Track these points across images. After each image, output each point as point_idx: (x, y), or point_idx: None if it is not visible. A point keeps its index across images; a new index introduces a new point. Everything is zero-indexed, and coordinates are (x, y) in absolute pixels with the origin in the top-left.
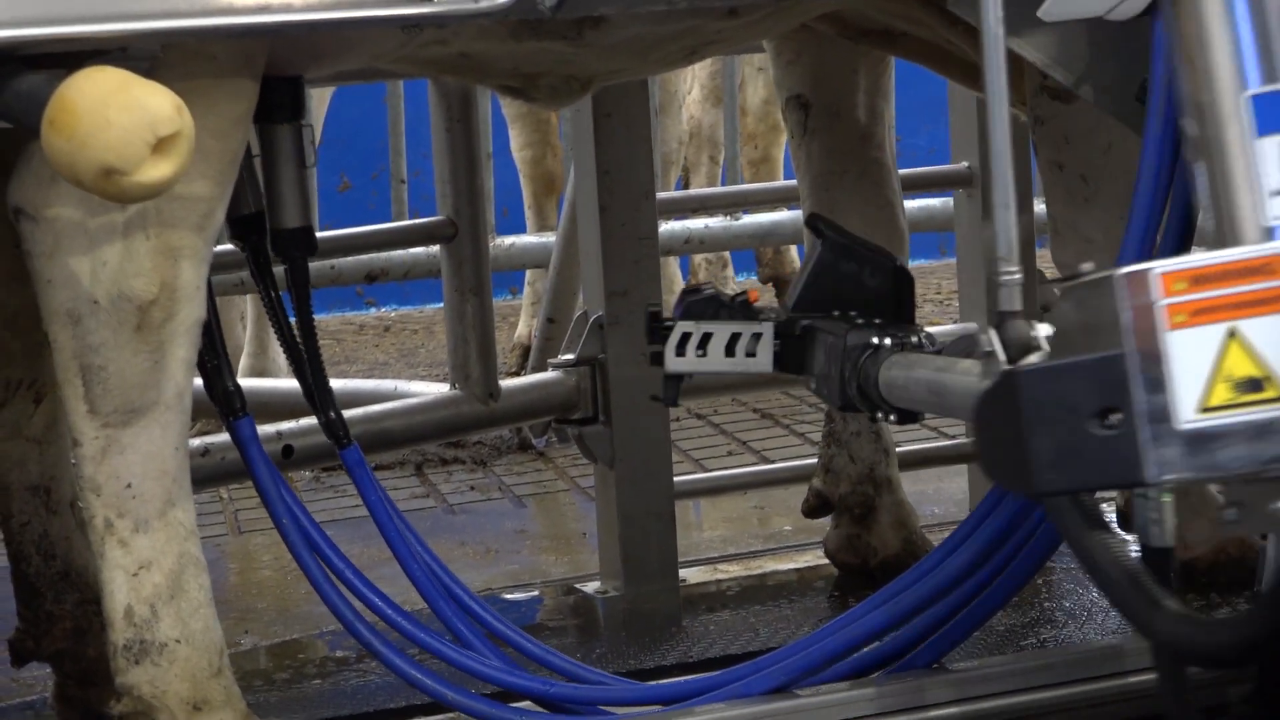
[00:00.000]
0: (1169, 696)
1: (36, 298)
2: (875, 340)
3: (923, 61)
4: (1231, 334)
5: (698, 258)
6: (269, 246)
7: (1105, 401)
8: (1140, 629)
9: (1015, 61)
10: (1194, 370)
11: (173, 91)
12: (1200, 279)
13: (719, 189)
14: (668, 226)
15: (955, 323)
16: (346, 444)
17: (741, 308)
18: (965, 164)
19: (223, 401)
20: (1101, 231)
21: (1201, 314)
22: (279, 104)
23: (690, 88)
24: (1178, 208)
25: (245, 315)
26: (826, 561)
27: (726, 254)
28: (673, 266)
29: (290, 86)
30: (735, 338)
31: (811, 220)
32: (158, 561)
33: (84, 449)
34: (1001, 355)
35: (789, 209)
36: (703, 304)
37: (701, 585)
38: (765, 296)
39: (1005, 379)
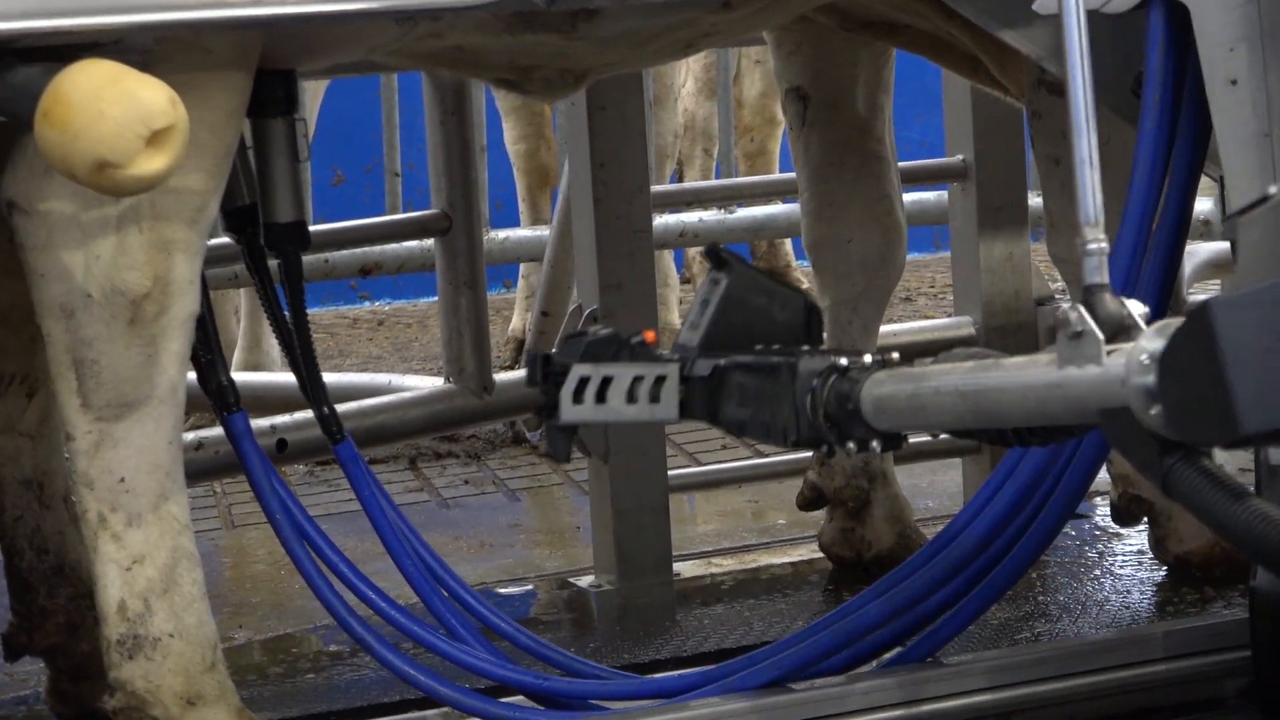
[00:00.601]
0: None
1: (29, 292)
2: (842, 362)
3: (923, 53)
4: None
5: (692, 251)
6: (262, 240)
7: None
8: None
9: (1015, 55)
10: None
11: (167, 85)
12: None
13: (713, 182)
14: (662, 220)
15: (949, 316)
16: (340, 439)
17: (641, 348)
18: (960, 157)
19: (217, 396)
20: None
21: None
22: (272, 98)
23: (685, 81)
24: (1173, 199)
25: (239, 309)
26: (821, 555)
27: None
28: (667, 260)
29: (283, 80)
30: (637, 382)
31: (712, 250)
32: (151, 556)
33: (77, 443)
34: (1099, 334)
35: (784, 202)
36: (602, 344)
37: (696, 579)
38: None
39: (1196, 315)
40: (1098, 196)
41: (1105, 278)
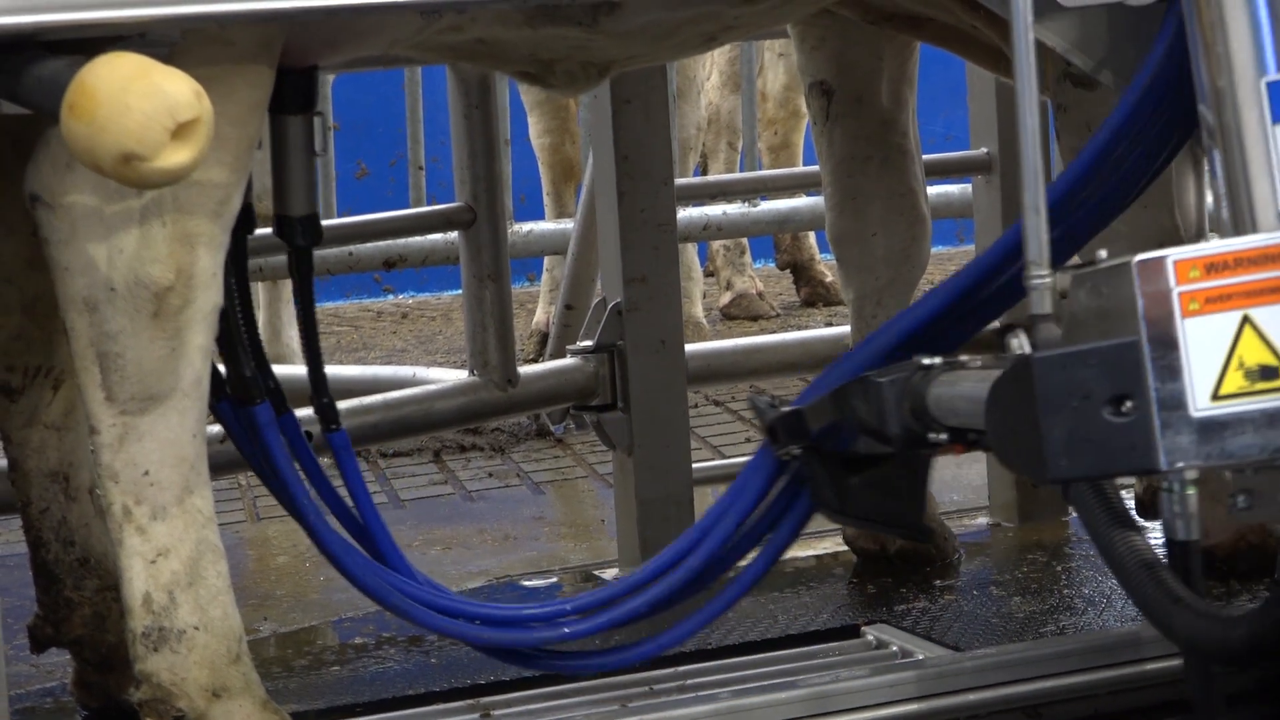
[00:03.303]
0: (1195, 688)
1: (54, 285)
2: (924, 361)
3: (948, 46)
4: (1245, 322)
5: (716, 244)
6: (278, 233)
7: (1119, 388)
8: (1157, 625)
9: (1039, 48)
10: (1208, 358)
11: (191, 78)
12: (1214, 266)
13: (737, 175)
14: (686, 213)
15: None
16: (335, 429)
17: None
18: (984, 150)
19: (238, 388)
20: (1124, 220)
21: (1215, 301)
22: (291, 95)
23: (709, 74)
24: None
25: (259, 302)
26: (846, 548)
27: (745, 240)
28: (691, 253)
29: (303, 79)
30: None
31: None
32: (176, 548)
33: (101, 436)
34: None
35: (807, 195)
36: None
37: None
38: (783, 283)
39: (1019, 365)
40: (1044, 240)
41: (1048, 308)
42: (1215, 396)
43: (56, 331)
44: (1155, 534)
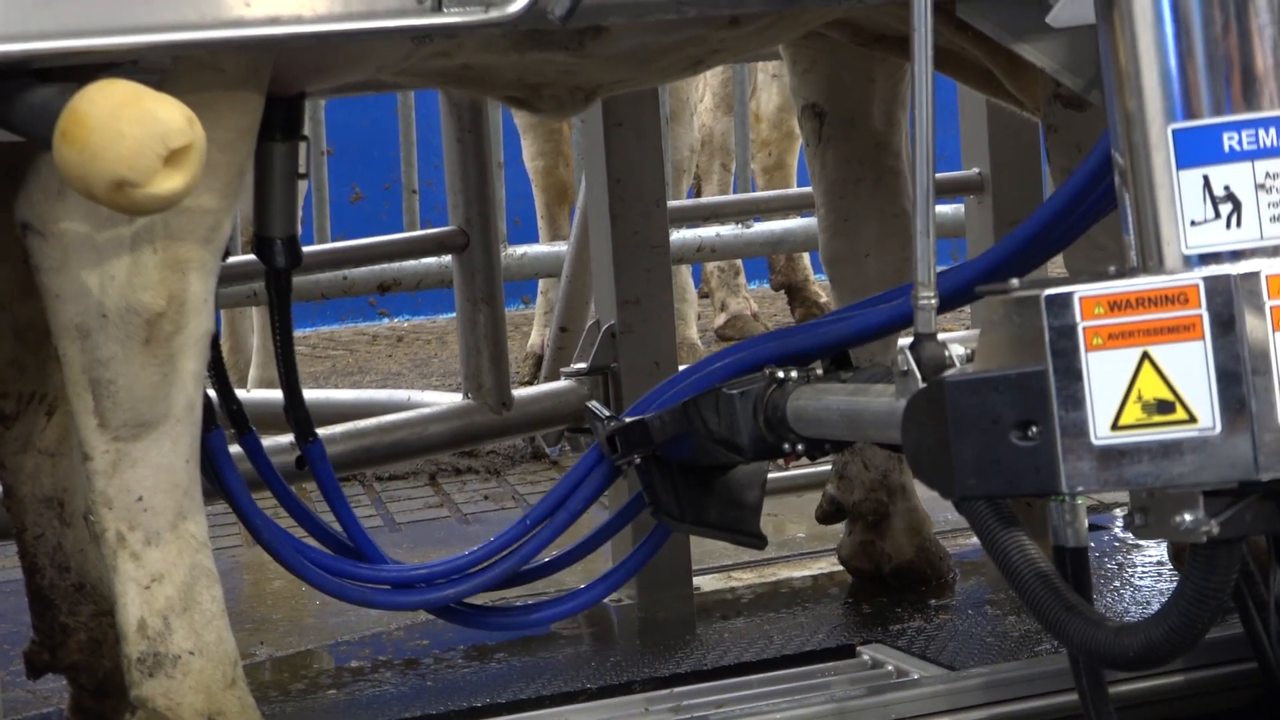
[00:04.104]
0: (1087, 698)
1: (46, 312)
2: (779, 374)
3: (938, 67)
4: (1145, 358)
5: (710, 265)
6: (258, 254)
7: (1026, 414)
8: (1051, 632)
9: (1029, 68)
10: (1109, 390)
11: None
12: (1117, 304)
13: (731, 197)
14: (679, 235)
15: (967, 329)
16: (312, 440)
17: None
18: (976, 170)
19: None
20: (1113, 238)
21: (1118, 338)
22: (278, 121)
23: (702, 95)
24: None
25: (253, 326)
26: (841, 568)
27: (739, 262)
28: (685, 274)
29: (290, 106)
30: None
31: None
32: (170, 574)
33: (95, 463)
34: (918, 374)
35: (801, 216)
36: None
37: (716, 592)
38: (777, 304)
39: (934, 387)
40: (932, 262)
41: (932, 328)
42: (1115, 426)
43: (49, 358)
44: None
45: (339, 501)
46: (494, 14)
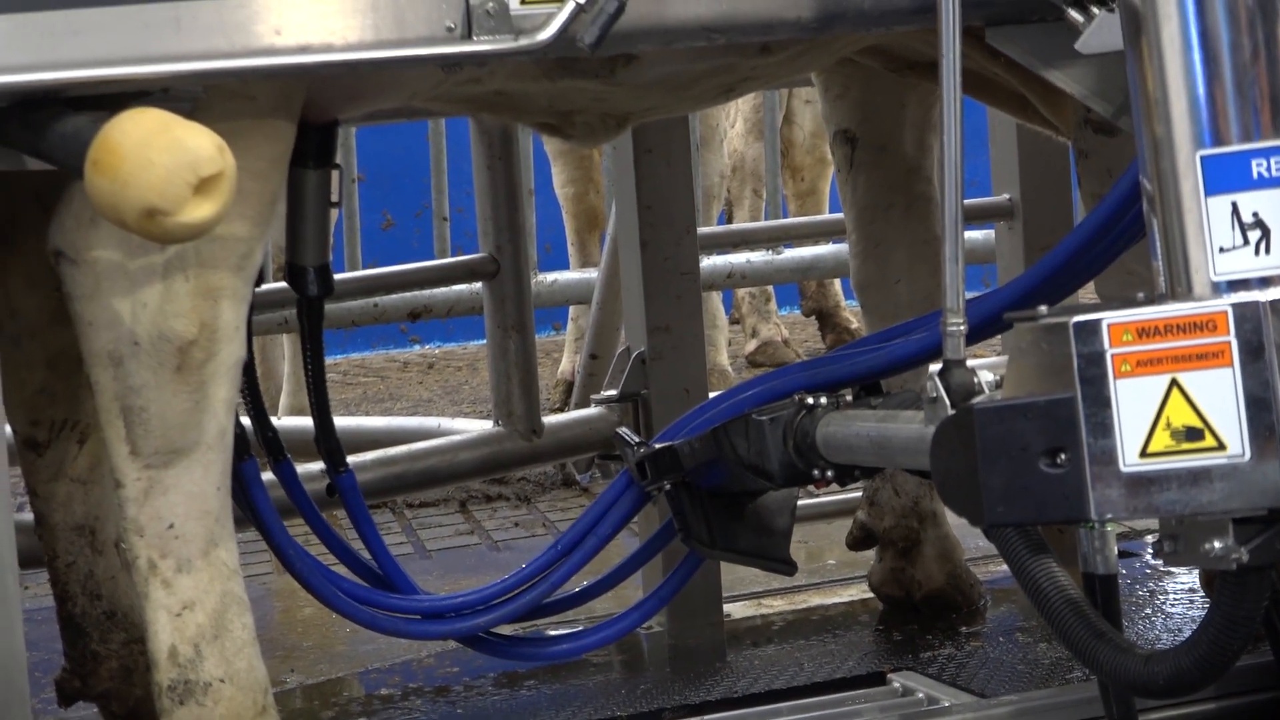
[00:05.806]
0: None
1: (78, 340)
2: (808, 400)
3: (969, 92)
4: (1174, 385)
5: (740, 292)
6: (290, 282)
7: (1055, 441)
8: (1081, 659)
9: (1063, 92)
10: (1138, 417)
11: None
12: (1146, 331)
13: (761, 223)
14: (710, 261)
15: (998, 355)
16: (343, 470)
17: None
18: (1006, 196)
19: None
20: (1144, 264)
21: (1146, 365)
22: (310, 149)
23: (734, 121)
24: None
25: (284, 354)
26: (872, 595)
27: (770, 288)
28: (716, 301)
29: (322, 134)
30: None
31: None
32: (201, 601)
33: (126, 490)
34: (946, 401)
35: (832, 242)
36: None
37: (746, 620)
38: (808, 329)
39: (963, 414)
40: (961, 289)
41: (961, 354)
42: (1144, 454)
43: (81, 386)
44: None
45: (370, 531)
46: (524, 42)
